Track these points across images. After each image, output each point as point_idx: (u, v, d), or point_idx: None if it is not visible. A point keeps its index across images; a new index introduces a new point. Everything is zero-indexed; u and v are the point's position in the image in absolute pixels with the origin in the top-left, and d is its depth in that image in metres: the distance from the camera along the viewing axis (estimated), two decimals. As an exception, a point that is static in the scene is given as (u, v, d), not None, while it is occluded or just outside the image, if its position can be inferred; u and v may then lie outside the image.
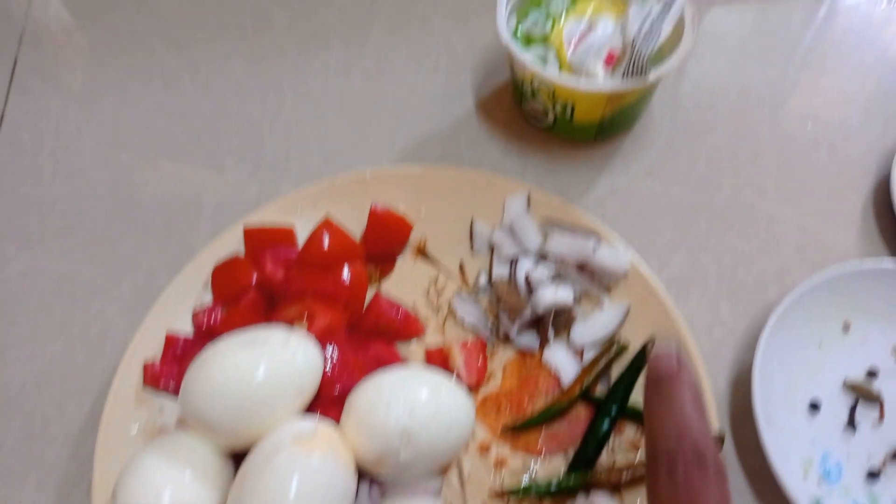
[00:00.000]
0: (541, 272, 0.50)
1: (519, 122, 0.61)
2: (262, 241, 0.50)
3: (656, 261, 0.54)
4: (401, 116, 0.62)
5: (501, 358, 0.50)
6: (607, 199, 0.57)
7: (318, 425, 0.40)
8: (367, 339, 0.48)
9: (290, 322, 0.46)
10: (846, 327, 0.51)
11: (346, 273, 0.48)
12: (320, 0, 0.70)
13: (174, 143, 0.61)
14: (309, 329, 0.45)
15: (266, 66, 0.66)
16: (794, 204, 0.57)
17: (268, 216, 0.52)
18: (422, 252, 0.54)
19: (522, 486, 0.44)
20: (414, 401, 0.40)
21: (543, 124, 0.59)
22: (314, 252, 0.49)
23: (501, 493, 0.44)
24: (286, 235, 0.51)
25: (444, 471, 0.44)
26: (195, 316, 0.49)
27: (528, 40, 0.55)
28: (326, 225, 0.50)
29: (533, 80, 0.54)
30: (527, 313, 0.49)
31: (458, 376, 0.47)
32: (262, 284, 0.49)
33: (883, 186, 0.58)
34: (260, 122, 0.62)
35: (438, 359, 0.48)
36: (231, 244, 0.51)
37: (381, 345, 0.48)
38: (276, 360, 0.41)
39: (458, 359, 0.47)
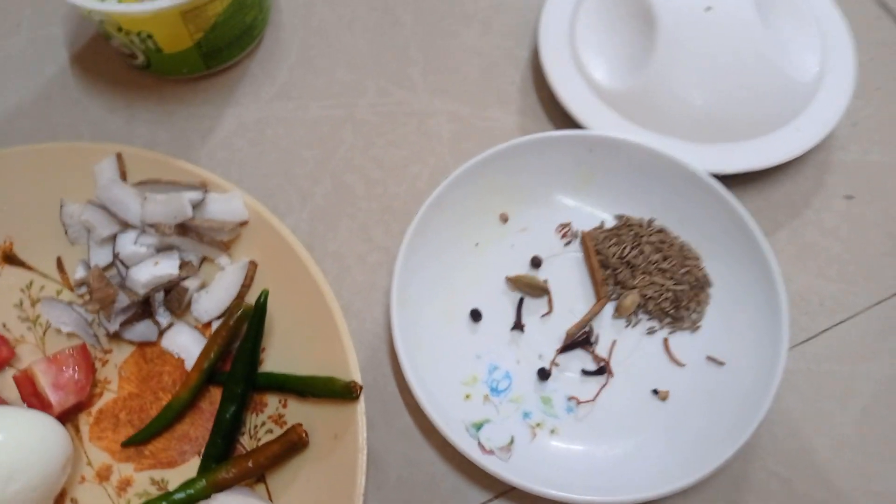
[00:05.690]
0: (135, 248, 0.42)
1: (124, 68, 0.51)
2: None
3: (298, 195, 0.47)
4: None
5: (118, 359, 0.42)
6: (234, 138, 0.49)
7: None
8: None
9: None
10: (504, 219, 0.46)
11: None
12: None
13: None
14: None
15: None
16: (446, 93, 0.51)
17: None
18: (8, 257, 0.44)
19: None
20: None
21: (139, 64, 0.49)
22: None
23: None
24: None
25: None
26: None
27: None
28: None
29: (90, 15, 0.44)
30: (122, 300, 0.41)
31: (40, 401, 0.39)
32: None
33: (537, 57, 0.52)
34: None
35: (27, 385, 0.39)
36: None
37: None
38: None
39: (41, 378, 0.39)
